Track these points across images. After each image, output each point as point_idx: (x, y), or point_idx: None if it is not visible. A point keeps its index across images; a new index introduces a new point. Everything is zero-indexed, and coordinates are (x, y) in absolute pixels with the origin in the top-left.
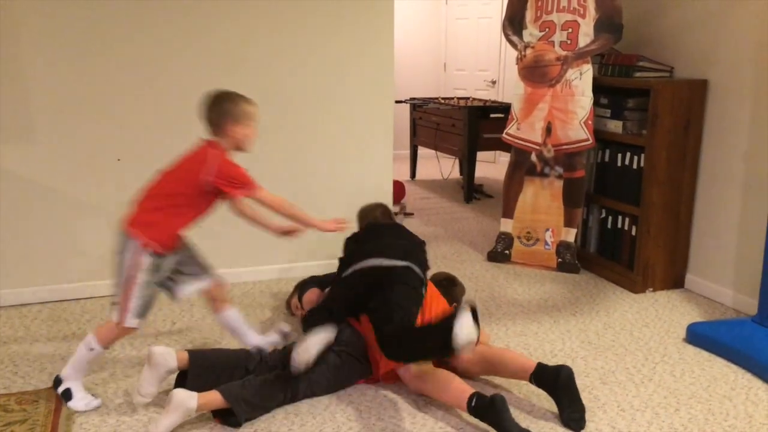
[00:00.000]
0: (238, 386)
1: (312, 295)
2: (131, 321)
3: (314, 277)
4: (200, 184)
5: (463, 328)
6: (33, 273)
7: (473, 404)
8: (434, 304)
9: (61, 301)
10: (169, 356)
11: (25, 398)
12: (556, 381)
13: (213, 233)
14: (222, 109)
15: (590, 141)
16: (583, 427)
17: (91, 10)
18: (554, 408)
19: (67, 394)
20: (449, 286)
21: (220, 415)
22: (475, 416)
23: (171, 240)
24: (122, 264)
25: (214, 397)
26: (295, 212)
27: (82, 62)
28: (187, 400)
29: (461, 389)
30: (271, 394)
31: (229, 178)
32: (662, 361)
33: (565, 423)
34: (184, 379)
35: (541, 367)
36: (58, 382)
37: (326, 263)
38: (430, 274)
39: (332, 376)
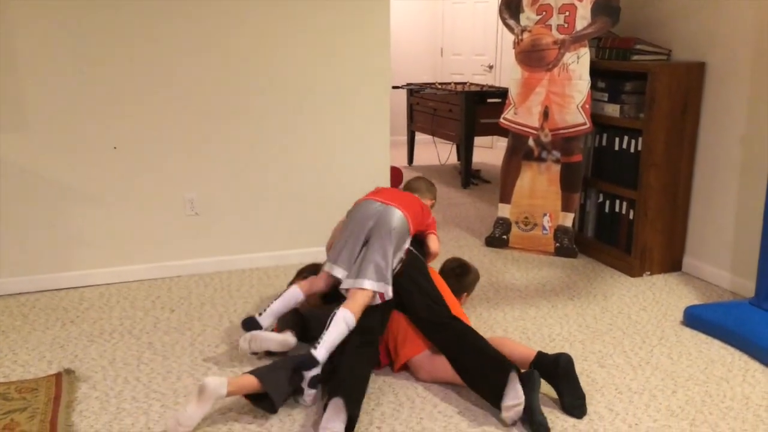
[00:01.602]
0: (270, 370)
1: None
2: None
3: (315, 265)
4: (422, 223)
5: (509, 399)
6: (30, 262)
7: None
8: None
9: (58, 289)
10: (222, 387)
11: (24, 386)
12: (555, 369)
13: (209, 221)
14: (432, 190)
15: (587, 125)
16: (585, 414)
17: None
18: (554, 394)
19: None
20: (462, 274)
21: (253, 398)
22: None
23: None
24: (393, 237)
25: (248, 383)
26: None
27: (77, 50)
28: (219, 388)
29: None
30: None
31: (434, 224)
32: (660, 344)
33: (566, 410)
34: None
35: (540, 355)
36: (313, 362)
37: (321, 250)
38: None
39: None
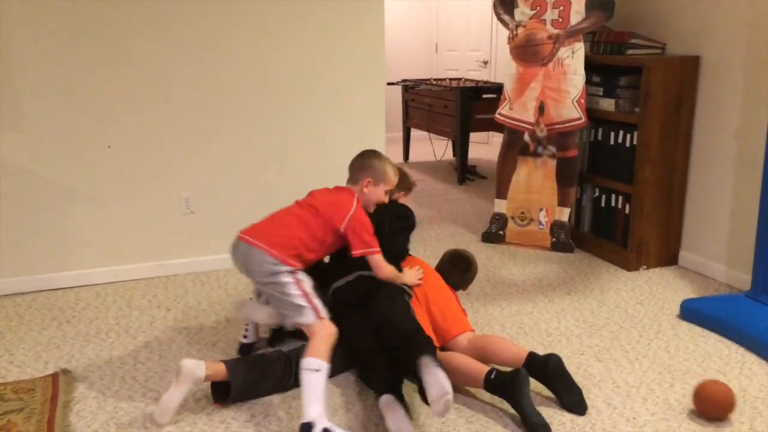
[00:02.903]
0: (242, 363)
1: None
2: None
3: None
4: (335, 229)
5: (432, 390)
6: (26, 262)
7: (492, 376)
8: (435, 296)
9: (54, 289)
10: (199, 370)
11: (21, 387)
12: (545, 370)
13: (205, 219)
14: (366, 163)
15: (583, 120)
16: (586, 409)
17: None
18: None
19: None
20: (467, 269)
21: (220, 398)
22: (493, 390)
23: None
24: (270, 283)
25: (221, 369)
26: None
27: (70, 48)
28: (196, 370)
29: (477, 366)
30: (269, 362)
31: (361, 232)
32: (656, 338)
33: (566, 408)
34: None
35: (531, 357)
36: (307, 428)
37: None
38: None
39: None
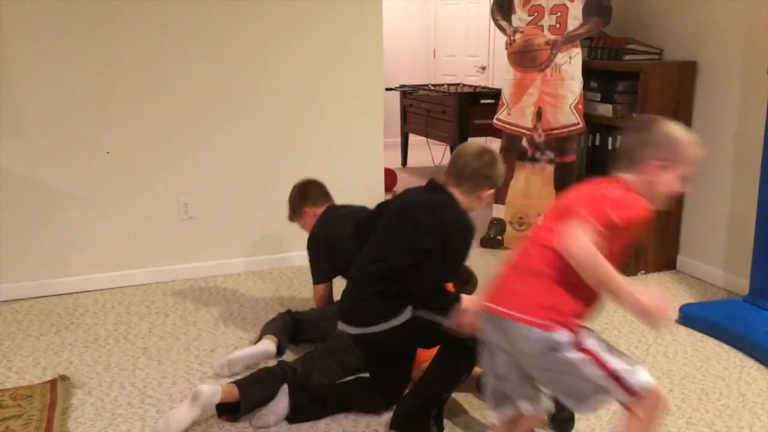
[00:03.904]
0: (250, 380)
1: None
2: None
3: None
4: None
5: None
6: (24, 268)
7: None
8: None
9: (53, 295)
10: (216, 396)
11: (19, 393)
12: None
13: (204, 225)
14: (651, 136)
15: (581, 125)
16: (571, 429)
17: (77, 1)
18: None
19: None
20: (467, 281)
21: (228, 413)
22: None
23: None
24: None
25: (233, 391)
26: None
27: (69, 54)
28: (214, 396)
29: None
30: (277, 377)
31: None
32: (655, 343)
33: (555, 426)
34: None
35: None
36: None
37: None
38: None
39: (337, 367)
